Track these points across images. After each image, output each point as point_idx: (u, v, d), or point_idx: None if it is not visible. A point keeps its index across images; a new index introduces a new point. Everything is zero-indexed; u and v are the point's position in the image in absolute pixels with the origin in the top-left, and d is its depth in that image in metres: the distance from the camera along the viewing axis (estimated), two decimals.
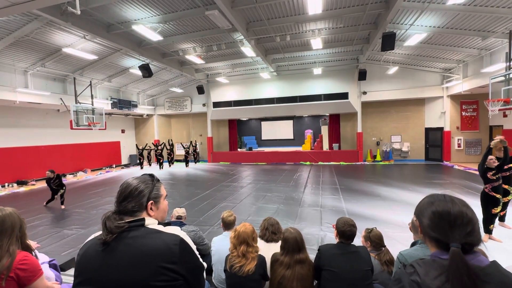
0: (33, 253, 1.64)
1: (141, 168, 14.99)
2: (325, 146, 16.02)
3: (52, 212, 6.86)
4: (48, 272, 1.89)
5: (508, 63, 7.60)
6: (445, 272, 0.79)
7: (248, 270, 2.06)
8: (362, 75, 12.38)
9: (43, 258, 2.00)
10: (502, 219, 4.80)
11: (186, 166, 15.19)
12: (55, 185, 7.21)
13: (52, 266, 2.08)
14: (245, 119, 21.08)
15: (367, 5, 7.53)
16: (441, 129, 13.66)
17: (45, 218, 6.42)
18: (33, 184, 11.15)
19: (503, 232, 4.47)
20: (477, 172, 10.80)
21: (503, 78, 7.67)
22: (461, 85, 11.68)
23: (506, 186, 4.48)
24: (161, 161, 14.84)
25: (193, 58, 11.18)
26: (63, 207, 7.20)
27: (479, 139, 13.12)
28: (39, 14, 6.47)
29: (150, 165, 16.42)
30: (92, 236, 1.05)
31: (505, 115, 11.13)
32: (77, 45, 8.95)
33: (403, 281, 0.85)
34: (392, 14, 7.33)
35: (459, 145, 13.34)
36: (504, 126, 11.50)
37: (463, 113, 13.24)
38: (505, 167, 4.37)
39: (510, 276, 0.79)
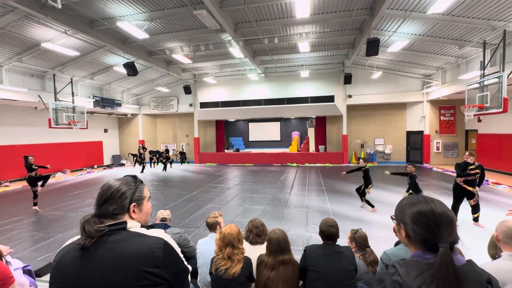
0: (3, 259, 1.55)
1: (134, 166, 15.85)
2: (312, 148, 16.25)
3: (28, 215, 6.50)
4: (21, 279, 1.79)
5: (482, 71, 8.04)
6: (426, 271, 0.81)
7: (234, 272, 2.04)
8: (348, 79, 12.69)
9: (16, 264, 1.90)
10: (476, 219, 5.07)
11: (165, 169, 13.79)
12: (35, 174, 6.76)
13: (26, 272, 1.98)
14: (232, 120, 21.00)
15: (353, 11, 7.74)
16: (421, 132, 14.24)
17: (20, 221, 6.07)
18: (7, 186, 10.54)
19: (479, 231, 4.70)
20: (454, 174, 11.28)
21: (478, 85, 8.11)
22: (439, 91, 12.24)
23: (470, 188, 4.91)
24: (153, 160, 15.15)
25: (180, 57, 11.01)
26: (35, 208, 6.75)
27: (456, 142, 13.78)
28: (16, 6, 6.14)
29: (134, 166, 15.98)
30: (70, 241, 1.00)
31: (479, 120, 11.74)
32: (58, 40, 8.57)
33: (385, 281, 0.87)
34: (377, 21, 7.57)
35: (437, 148, 13.95)
36: (478, 130, 12.15)
37: (442, 118, 13.87)
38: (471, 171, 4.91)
39: (484, 274, 0.82)
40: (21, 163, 7.27)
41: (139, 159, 14.03)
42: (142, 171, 13.27)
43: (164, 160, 13.91)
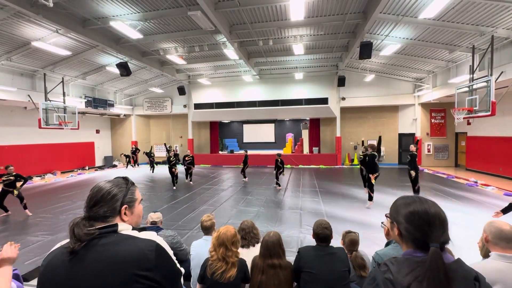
0: None
1: (133, 167, 15.57)
2: (306, 150, 16.34)
3: (15, 218, 6.33)
4: None
5: (471, 75, 8.24)
6: (417, 268, 0.83)
7: (229, 276, 2.02)
8: (341, 82, 12.83)
9: None
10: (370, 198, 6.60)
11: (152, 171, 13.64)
12: (6, 183, 6.27)
13: (14, 276, 1.92)
14: (227, 121, 20.96)
15: (346, 15, 7.84)
16: (413, 134, 14.48)
17: (7, 224, 5.91)
18: None
19: (470, 232, 4.78)
20: (445, 176, 11.47)
21: (467, 88, 8.30)
22: (430, 94, 12.48)
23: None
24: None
25: (174, 58, 10.95)
26: (27, 212, 6.50)
27: (446, 144, 14.06)
28: (5, 4, 6.01)
29: (126, 167, 15.77)
30: (59, 244, 0.98)
31: (469, 123, 12.03)
32: (49, 39, 8.42)
33: (378, 279, 0.88)
34: (369, 25, 7.69)
35: (428, 150, 14.21)
36: (468, 133, 12.42)
37: (432, 120, 14.14)
38: None
39: (472, 272, 0.85)
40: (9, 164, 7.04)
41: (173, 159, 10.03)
42: (176, 180, 9.83)
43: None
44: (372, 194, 6.62)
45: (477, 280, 0.83)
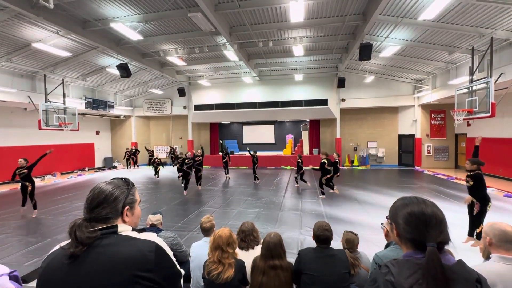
0: None
1: (130, 169, 15.35)
2: (306, 151, 16.34)
3: (15, 219, 6.32)
4: (7, 285, 1.74)
5: (471, 77, 8.25)
6: (418, 271, 0.82)
7: (227, 277, 2.02)
8: (341, 83, 12.85)
9: (2, 270, 1.84)
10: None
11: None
12: (21, 177, 6.36)
13: (13, 278, 1.92)
14: (226, 122, 20.97)
15: (346, 16, 7.86)
16: (412, 136, 14.48)
17: (6, 225, 5.90)
18: None
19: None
20: (445, 177, 11.47)
21: (467, 90, 8.31)
22: (430, 95, 12.50)
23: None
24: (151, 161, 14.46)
25: (175, 59, 10.97)
26: (35, 212, 6.51)
27: (446, 146, 14.06)
28: (6, 5, 6.02)
29: (127, 167, 15.75)
30: (58, 246, 0.97)
31: (468, 124, 12.05)
32: (49, 40, 8.43)
33: (378, 281, 0.88)
34: (369, 26, 7.71)
35: (428, 152, 14.21)
36: (468, 134, 12.43)
37: (432, 122, 14.15)
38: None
39: (473, 273, 0.85)
40: (8, 165, 7.06)
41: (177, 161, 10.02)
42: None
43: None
44: (323, 190, 8.06)
45: (479, 282, 0.83)
